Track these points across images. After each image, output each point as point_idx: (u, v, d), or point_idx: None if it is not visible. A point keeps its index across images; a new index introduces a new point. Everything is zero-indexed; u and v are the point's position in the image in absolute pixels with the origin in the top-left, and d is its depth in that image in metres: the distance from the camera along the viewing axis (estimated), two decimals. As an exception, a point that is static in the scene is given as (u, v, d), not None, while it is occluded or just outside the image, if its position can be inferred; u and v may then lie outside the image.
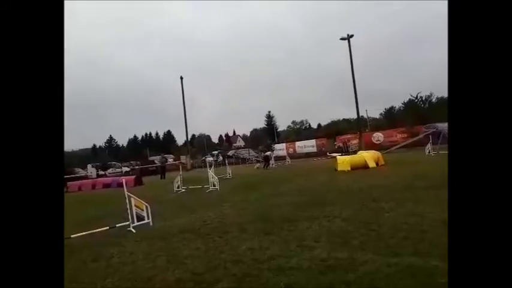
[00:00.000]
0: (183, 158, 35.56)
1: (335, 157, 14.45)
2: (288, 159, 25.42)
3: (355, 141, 28.22)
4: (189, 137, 41.33)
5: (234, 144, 68.70)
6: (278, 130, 69.37)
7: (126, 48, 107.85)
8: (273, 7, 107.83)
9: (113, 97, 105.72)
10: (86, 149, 71.16)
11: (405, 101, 39.62)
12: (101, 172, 32.31)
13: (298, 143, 38.89)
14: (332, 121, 57.38)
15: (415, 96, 36.68)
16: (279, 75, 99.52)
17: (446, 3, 1.37)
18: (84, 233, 5.02)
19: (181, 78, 31.27)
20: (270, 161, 20.92)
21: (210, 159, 31.05)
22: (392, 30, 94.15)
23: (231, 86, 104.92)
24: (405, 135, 27.26)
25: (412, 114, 32.85)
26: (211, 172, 10.91)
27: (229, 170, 15.70)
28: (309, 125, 71.30)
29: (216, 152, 42.44)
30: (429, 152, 16.37)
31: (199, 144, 64.02)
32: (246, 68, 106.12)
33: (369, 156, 12.78)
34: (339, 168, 12.33)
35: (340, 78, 69.95)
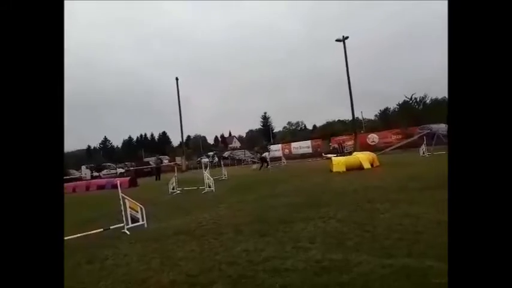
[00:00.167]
0: (178, 159, 35.41)
1: (330, 158, 14.51)
2: (283, 160, 25.46)
3: (350, 143, 28.34)
4: (185, 138, 41.27)
5: (230, 145, 68.65)
6: (274, 131, 69.44)
7: (126, 49, 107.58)
8: (272, 8, 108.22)
9: (112, 97, 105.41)
10: (81, 150, 70.56)
11: (400, 103, 40.04)
12: (95, 173, 32.08)
13: (293, 144, 38.93)
14: (327, 122, 57.48)
15: (410, 97, 37.08)
16: (275, 76, 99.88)
17: (444, 3, 1.38)
18: (78, 235, 4.97)
19: (177, 79, 31.21)
20: (265, 163, 20.91)
21: (205, 160, 31.00)
22: (388, 32, 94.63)
23: (227, 86, 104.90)
24: (400, 136, 27.47)
25: (406, 116, 33.18)
26: (206, 173, 10.88)
27: (224, 171, 15.66)
28: (305, 126, 71.45)
29: (211, 153, 42.36)
30: (423, 153, 16.52)
31: (195, 145, 63.88)
32: (242, 69, 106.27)
33: (363, 158, 12.84)
34: (334, 169, 12.38)
35: (336, 79, 70.31)
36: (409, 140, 22.81)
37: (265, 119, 71.09)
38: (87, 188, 18.23)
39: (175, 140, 70.70)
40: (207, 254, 3.65)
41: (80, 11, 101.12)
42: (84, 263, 3.76)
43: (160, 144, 70.72)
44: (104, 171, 33.98)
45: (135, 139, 78.00)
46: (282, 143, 41.49)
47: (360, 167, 12.25)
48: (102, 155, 65.37)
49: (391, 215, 4.58)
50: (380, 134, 30.77)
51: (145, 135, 78.92)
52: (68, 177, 25.98)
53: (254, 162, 28.68)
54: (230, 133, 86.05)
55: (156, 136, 78.87)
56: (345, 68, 24.12)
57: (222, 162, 19.05)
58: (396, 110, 42.66)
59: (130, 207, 5.52)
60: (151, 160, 30.06)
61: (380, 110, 52.45)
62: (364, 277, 2.59)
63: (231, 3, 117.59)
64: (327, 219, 4.70)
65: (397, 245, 3.28)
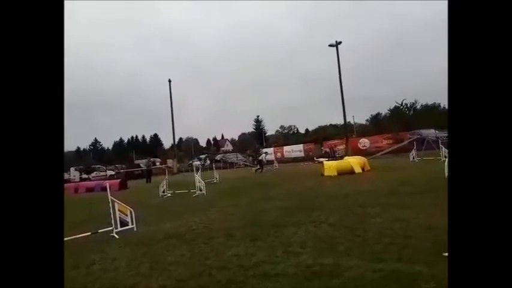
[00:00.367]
0: (169, 162, 35.10)
1: (322, 162, 14.56)
2: (275, 163, 25.47)
3: (342, 147, 28.50)
4: (176, 140, 40.98)
5: (222, 148, 68.46)
6: (266, 134, 69.61)
7: (126, 49, 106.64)
8: (271, 9, 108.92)
9: (107, 98, 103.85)
10: (70, 151, 69.33)
11: (391, 108, 40.56)
12: (85, 176, 31.54)
13: (286, 148, 38.98)
14: (319, 126, 57.91)
15: (401, 103, 37.61)
16: (269, 79, 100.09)
17: (443, 3, 1.39)
18: (65, 239, 4.85)
19: (170, 81, 31.03)
20: (261, 166, 20.92)
21: (197, 163, 30.73)
22: (383, 37, 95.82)
23: (221, 90, 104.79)
24: (390, 141, 27.74)
25: (397, 121, 33.63)
26: (198, 176, 10.80)
27: (216, 174, 15.58)
28: (297, 129, 71.82)
29: (203, 156, 42.03)
30: (413, 158, 16.71)
31: (187, 148, 63.46)
32: (239, 70, 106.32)
33: (355, 162, 12.93)
34: (326, 173, 12.43)
35: (329, 83, 70.84)
36: (399, 145, 23.09)
37: (258, 122, 71.32)
38: (76, 191, 17.91)
39: (167, 142, 70.27)
40: (197, 258, 3.61)
41: (80, 11, 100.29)
42: (69, 268, 3.65)
43: (151, 146, 70.16)
44: (94, 174, 33.39)
45: (126, 141, 77.22)
46: (275, 147, 41.55)
47: (351, 171, 12.32)
48: (92, 156, 64.31)
49: (382, 219, 4.60)
50: (371, 139, 31.05)
51: (136, 137, 78.23)
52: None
53: (246, 166, 28.59)
54: (223, 136, 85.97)
55: (148, 138, 78.28)
56: (338, 73, 24.34)
57: (214, 165, 18.94)
58: (387, 115, 43.24)
59: (119, 210, 5.43)
60: (142, 162, 29.72)
61: (371, 115, 53.21)
62: (354, 282, 2.59)
63: (229, 3, 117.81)
64: (318, 223, 4.70)
65: (388, 249, 3.30)
